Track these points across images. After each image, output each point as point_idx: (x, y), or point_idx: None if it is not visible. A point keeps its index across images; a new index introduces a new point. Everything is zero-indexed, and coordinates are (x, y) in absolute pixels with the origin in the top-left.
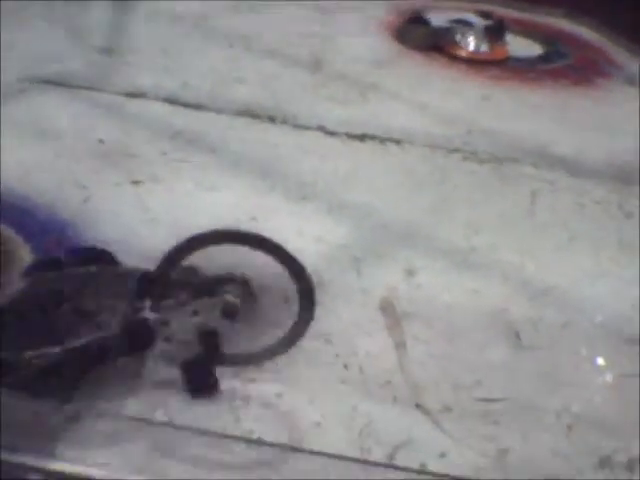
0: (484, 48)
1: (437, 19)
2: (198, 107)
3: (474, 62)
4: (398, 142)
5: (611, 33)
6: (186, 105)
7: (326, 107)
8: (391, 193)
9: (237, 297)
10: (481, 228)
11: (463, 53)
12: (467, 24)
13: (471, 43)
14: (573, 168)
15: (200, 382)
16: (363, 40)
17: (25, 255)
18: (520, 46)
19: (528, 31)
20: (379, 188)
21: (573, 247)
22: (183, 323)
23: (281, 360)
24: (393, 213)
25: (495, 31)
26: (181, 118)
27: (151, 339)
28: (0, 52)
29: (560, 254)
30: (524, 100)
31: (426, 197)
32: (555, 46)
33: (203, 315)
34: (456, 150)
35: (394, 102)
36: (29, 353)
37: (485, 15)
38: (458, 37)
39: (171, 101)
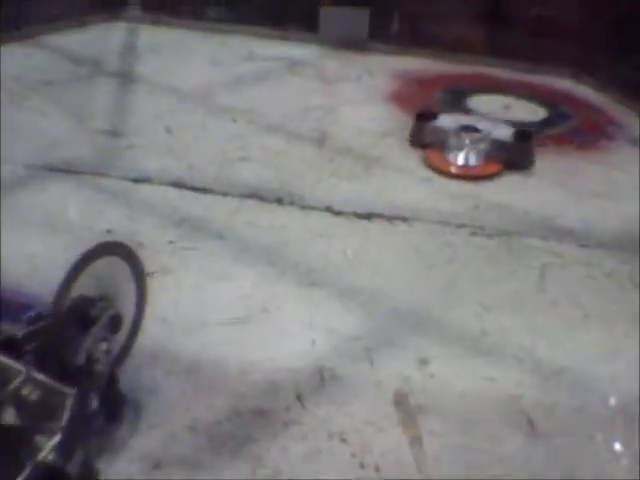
0: (474, 162)
1: (447, 120)
2: (204, 190)
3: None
4: (405, 219)
5: (615, 93)
6: (192, 189)
7: (332, 184)
8: (401, 274)
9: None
10: (492, 307)
11: (452, 169)
12: (474, 130)
13: (460, 158)
14: (582, 239)
15: None
16: (367, 110)
17: None
18: (524, 110)
19: (532, 94)
20: (388, 269)
21: (585, 324)
22: None
23: (298, 459)
24: (403, 297)
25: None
26: (188, 202)
27: None
28: (0, 139)
29: (572, 332)
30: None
31: (436, 277)
32: (559, 109)
33: None
34: (464, 225)
35: (400, 177)
36: None
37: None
38: (448, 150)
39: (177, 185)
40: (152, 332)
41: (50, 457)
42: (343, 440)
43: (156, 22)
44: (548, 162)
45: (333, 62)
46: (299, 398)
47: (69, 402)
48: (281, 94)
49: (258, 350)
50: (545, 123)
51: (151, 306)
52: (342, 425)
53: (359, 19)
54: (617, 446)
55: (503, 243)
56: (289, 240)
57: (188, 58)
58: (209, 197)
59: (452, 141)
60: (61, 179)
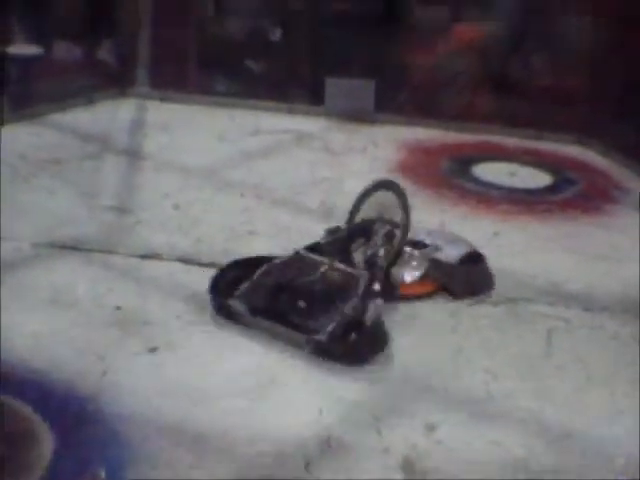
0: (408, 279)
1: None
2: (212, 265)
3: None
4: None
5: (620, 157)
6: (200, 264)
7: None
8: (408, 343)
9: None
10: (499, 373)
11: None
12: (423, 246)
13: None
14: (587, 303)
15: None
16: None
17: (45, 434)
18: (529, 177)
19: (537, 161)
20: (395, 338)
21: (590, 386)
22: None
23: None
24: (410, 363)
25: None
26: (195, 278)
27: None
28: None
29: (578, 395)
30: (535, 234)
31: (443, 345)
32: (563, 174)
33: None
34: None
35: None
36: None
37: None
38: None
39: (185, 260)
40: (159, 404)
41: (351, 312)
42: None
43: (164, 98)
44: (554, 227)
45: (339, 134)
46: (307, 467)
47: (362, 280)
48: (288, 167)
49: (266, 420)
50: (550, 189)
51: (158, 378)
52: None
53: (365, 90)
54: None
55: (509, 309)
56: None
57: (196, 134)
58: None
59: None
60: (69, 256)
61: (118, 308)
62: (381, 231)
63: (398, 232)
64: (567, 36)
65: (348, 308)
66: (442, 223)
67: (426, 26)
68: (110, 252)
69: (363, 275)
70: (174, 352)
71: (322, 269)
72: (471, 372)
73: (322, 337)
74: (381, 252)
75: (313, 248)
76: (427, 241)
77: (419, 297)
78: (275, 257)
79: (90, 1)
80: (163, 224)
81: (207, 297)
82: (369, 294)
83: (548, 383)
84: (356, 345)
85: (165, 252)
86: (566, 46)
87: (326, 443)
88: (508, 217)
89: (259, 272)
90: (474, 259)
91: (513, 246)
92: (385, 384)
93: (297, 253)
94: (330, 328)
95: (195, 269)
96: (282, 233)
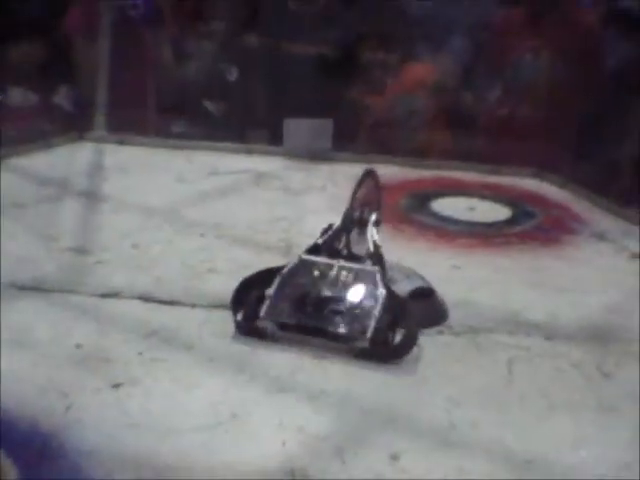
0: None
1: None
2: (172, 303)
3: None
4: None
5: (578, 189)
6: (160, 301)
7: None
8: (368, 376)
9: None
10: (461, 403)
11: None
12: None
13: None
14: (548, 332)
15: None
16: (331, 219)
17: (8, 469)
18: (488, 211)
19: (496, 195)
20: (356, 372)
21: (553, 415)
22: None
23: None
24: (373, 397)
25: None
26: (156, 315)
27: None
28: None
29: (540, 423)
30: (495, 266)
31: (404, 376)
32: (522, 207)
33: None
34: None
35: None
36: None
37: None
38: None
39: (145, 299)
40: (122, 439)
41: (382, 312)
42: None
43: (122, 142)
44: (513, 259)
45: (298, 173)
46: None
47: (378, 275)
48: (247, 206)
49: (229, 453)
50: (509, 222)
51: (121, 414)
52: None
53: (323, 129)
54: None
55: (470, 340)
56: (256, 347)
57: (154, 175)
58: (177, 309)
59: None
60: (30, 297)
61: (79, 346)
62: (371, 218)
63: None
64: (522, 70)
65: (377, 308)
66: (400, 258)
67: (378, 68)
68: (70, 292)
69: (376, 270)
70: (137, 388)
71: (334, 271)
72: (433, 401)
73: (364, 344)
74: (379, 241)
75: (314, 250)
76: None
77: None
78: (280, 267)
79: (45, 47)
80: (123, 263)
81: (168, 333)
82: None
83: (510, 411)
84: (398, 343)
85: (125, 291)
86: (521, 80)
87: (290, 474)
88: (467, 250)
89: (275, 286)
90: (425, 293)
91: (473, 278)
92: (347, 414)
93: (301, 259)
94: (369, 334)
95: (155, 307)
96: (242, 270)
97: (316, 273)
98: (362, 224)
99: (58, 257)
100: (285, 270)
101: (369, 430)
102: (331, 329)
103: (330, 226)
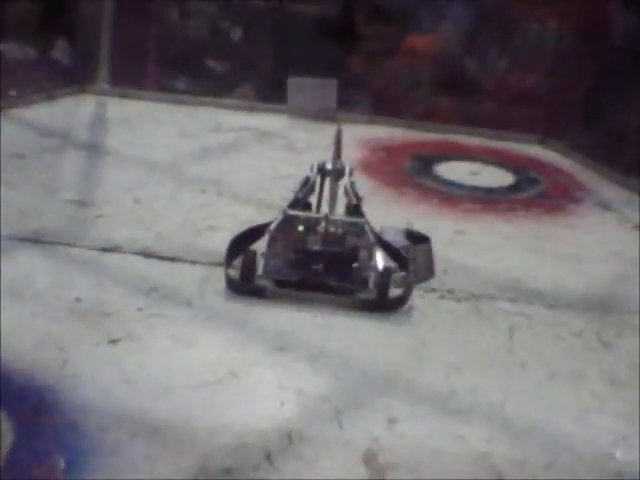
0: None
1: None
2: (173, 259)
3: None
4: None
5: (583, 158)
6: (161, 257)
7: None
8: (369, 338)
9: None
10: (461, 369)
11: None
12: None
13: None
14: (550, 300)
15: None
16: None
17: (3, 424)
18: (492, 176)
19: (500, 160)
20: (357, 333)
21: (553, 383)
22: None
23: None
24: (372, 359)
25: None
26: (156, 271)
27: None
28: None
29: (541, 391)
30: (498, 232)
31: (405, 340)
32: (526, 174)
33: None
34: (433, 290)
35: None
36: None
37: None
38: None
39: (146, 254)
40: (118, 394)
41: (381, 263)
42: None
43: (124, 95)
44: (517, 226)
45: (301, 132)
46: (268, 458)
47: (367, 226)
48: (249, 164)
49: (227, 413)
50: (513, 188)
51: (118, 369)
52: None
53: (328, 89)
54: None
55: (472, 306)
56: (257, 306)
57: (156, 130)
58: (178, 265)
59: None
60: (30, 249)
61: (78, 300)
62: (346, 169)
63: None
64: (530, 37)
65: (374, 259)
66: (404, 221)
67: (380, 38)
68: (71, 245)
69: (364, 222)
70: (135, 344)
71: (322, 224)
72: (434, 367)
73: (368, 295)
74: (357, 191)
75: (296, 204)
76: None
77: None
78: (266, 223)
79: (44, 1)
80: (124, 218)
81: (168, 290)
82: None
83: (511, 379)
84: (398, 293)
85: (126, 245)
86: (530, 48)
87: (287, 435)
88: (471, 215)
89: (267, 244)
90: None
91: (476, 244)
92: (347, 377)
93: (286, 214)
94: (371, 285)
95: (156, 262)
96: (243, 228)
97: (303, 228)
98: (338, 175)
99: (59, 210)
100: (273, 226)
101: (368, 393)
102: (331, 282)
103: (307, 179)
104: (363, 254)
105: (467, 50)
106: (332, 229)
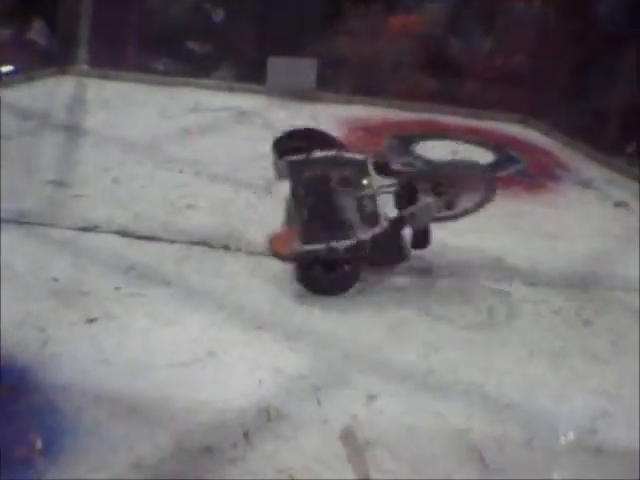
0: None
1: None
2: (151, 238)
3: None
4: None
5: (563, 136)
6: (139, 237)
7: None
8: (349, 316)
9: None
10: (441, 346)
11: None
12: None
13: None
14: (530, 278)
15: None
16: None
17: None
18: (472, 155)
19: (479, 140)
20: (338, 311)
21: (533, 360)
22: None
23: None
24: (351, 337)
25: None
26: (134, 250)
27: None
28: None
29: (520, 368)
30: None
31: (385, 319)
32: (506, 153)
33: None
34: (413, 268)
35: None
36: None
37: None
38: None
39: (124, 233)
40: (96, 374)
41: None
42: (290, 475)
43: (104, 76)
44: (497, 204)
45: (280, 111)
46: (246, 436)
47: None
48: (228, 143)
49: (205, 391)
50: (493, 167)
51: (96, 349)
52: (289, 461)
53: (307, 69)
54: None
55: (452, 284)
56: (236, 285)
57: (136, 110)
58: (156, 245)
59: None
60: (9, 230)
61: (56, 280)
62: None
63: None
64: (515, 17)
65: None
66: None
67: (364, 18)
68: (50, 225)
69: (365, 157)
70: (113, 323)
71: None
72: (413, 344)
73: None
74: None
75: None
76: None
77: None
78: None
79: None
80: (103, 198)
81: (146, 269)
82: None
83: (490, 357)
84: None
85: (104, 225)
86: (514, 27)
87: (265, 413)
88: None
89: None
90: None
91: (457, 223)
92: (325, 355)
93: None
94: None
95: (134, 242)
96: (221, 207)
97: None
98: None
99: (38, 190)
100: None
101: (347, 371)
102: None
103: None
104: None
105: (451, 30)
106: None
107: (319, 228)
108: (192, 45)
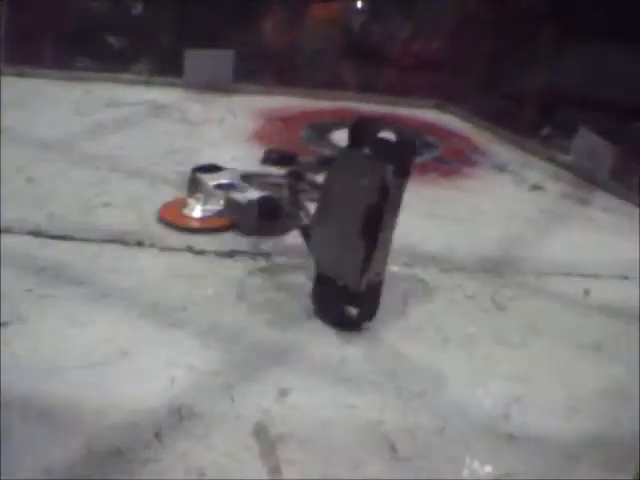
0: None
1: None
2: (64, 238)
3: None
4: (268, 256)
5: (480, 121)
6: (52, 237)
7: None
8: (260, 311)
9: None
10: (352, 337)
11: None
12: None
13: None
14: (445, 264)
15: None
16: (229, 150)
17: None
18: None
19: (395, 126)
20: (247, 307)
21: (447, 348)
22: None
23: None
24: (263, 331)
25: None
26: (47, 251)
27: None
28: None
29: (434, 356)
30: None
31: (297, 310)
32: (422, 139)
33: None
34: None
35: None
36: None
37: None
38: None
39: (36, 234)
40: (6, 379)
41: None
42: (202, 474)
43: (19, 74)
44: (412, 190)
45: (197, 105)
46: (157, 436)
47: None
48: (144, 138)
49: (117, 392)
50: None
51: (7, 354)
52: (201, 459)
53: (224, 61)
54: (478, 465)
55: None
56: (149, 282)
57: (51, 107)
58: (69, 244)
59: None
60: None
61: None
62: None
63: None
64: (431, 3)
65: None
66: None
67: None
68: None
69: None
70: (24, 326)
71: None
72: (325, 336)
73: None
74: None
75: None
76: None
77: (215, 230)
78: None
79: None
80: (15, 199)
81: (59, 269)
82: None
83: (403, 346)
84: None
85: (16, 226)
86: (433, 13)
87: (177, 412)
88: None
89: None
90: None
91: None
92: (238, 351)
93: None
94: None
95: (47, 242)
96: (137, 203)
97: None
98: None
99: None
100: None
101: (259, 366)
102: None
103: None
104: None
105: (371, 17)
106: None
107: None
108: (110, 39)
